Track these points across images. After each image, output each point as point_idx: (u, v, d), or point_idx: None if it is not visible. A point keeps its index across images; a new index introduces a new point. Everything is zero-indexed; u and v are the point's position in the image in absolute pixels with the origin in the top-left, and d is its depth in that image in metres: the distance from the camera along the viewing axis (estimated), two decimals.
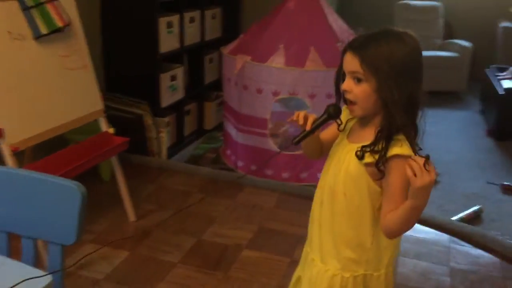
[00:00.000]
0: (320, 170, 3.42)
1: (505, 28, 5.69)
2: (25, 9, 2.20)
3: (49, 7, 2.28)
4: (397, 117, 1.16)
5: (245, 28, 4.65)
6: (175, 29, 3.57)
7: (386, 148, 1.17)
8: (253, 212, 2.83)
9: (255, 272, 2.30)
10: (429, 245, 2.61)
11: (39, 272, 1.36)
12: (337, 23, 3.43)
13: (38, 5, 2.25)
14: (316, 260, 1.34)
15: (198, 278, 2.23)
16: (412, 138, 1.20)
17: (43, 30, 2.24)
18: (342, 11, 4.84)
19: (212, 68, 4.23)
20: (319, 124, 1.25)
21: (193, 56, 4.01)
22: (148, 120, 3.40)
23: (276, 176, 3.35)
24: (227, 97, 3.63)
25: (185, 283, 2.20)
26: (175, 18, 3.55)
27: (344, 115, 1.31)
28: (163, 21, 3.41)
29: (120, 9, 3.40)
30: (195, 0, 3.88)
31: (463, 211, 3.03)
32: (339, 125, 1.29)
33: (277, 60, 3.20)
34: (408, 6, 6.11)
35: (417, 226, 2.70)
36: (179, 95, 3.74)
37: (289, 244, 2.53)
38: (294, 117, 1.28)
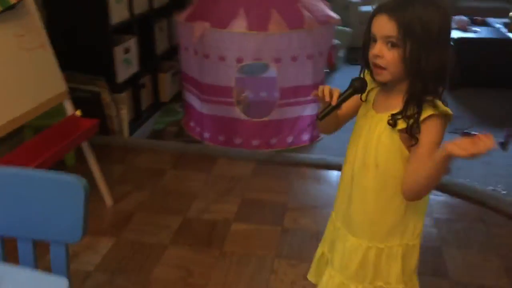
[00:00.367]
0: (288, 135, 3.41)
1: None
2: None
3: None
4: (429, 83, 1.14)
5: None
6: None
7: (419, 111, 1.15)
8: (232, 184, 2.78)
9: (249, 245, 2.27)
10: None
11: (52, 276, 1.26)
12: None
13: None
14: (348, 234, 1.32)
15: (193, 258, 2.17)
16: (442, 98, 1.18)
17: None
18: None
19: (162, 37, 4.04)
20: (345, 99, 1.21)
21: (142, 26, 3.79)
22: (106, 97, 3.21)
23: (246, 144, 3.30)
24: (186, 67, 3.49)
25: (182, 264, 2.13)
26: None
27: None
28: None
29: None
30: None
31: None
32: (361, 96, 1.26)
33: (239, 25, 3.09)
34: None
35: None
36: (134, 68, 3.54)
37: (276, 212, 2.51)
38: (319, 93, 1.22)
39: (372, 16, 1.18)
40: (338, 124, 1.36)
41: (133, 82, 3.59)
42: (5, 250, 1.38)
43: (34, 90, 2.16)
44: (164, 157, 3.06)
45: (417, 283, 1.36)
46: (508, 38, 4.33)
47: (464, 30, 4.55)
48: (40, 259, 1.31)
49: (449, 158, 1.07)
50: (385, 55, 1.15)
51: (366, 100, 1.28)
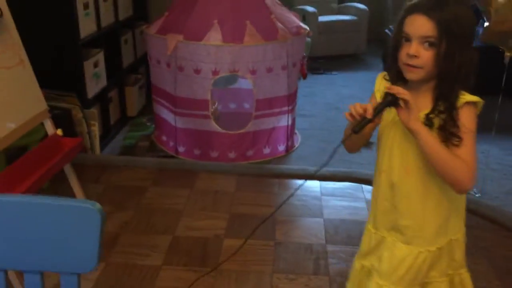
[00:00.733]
0: (264, 146, 3.39)
1: None
2: None
3: None
4: (459, 82, 1.16)
5: (155, 4, 4.42)
6: (91, 10, 3.24)
7: (451, 106, 1.17)
8: (217, 198, 2.74)
9: (245, 261, 2.23)
10: None
11: None
12: None
13: None
14: (398, 242, 1.32)
15: (190, 278, 2.11)
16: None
17: None
18: None
19: (128, 50, 3.94)
20: (380, 112, 1.20)
21: (107, 39, 3.69)
22: (78, 113, 3.08)
23: (222, 157, 3.26)
24: (157, 80, 3.42)
25: (178, 286, 2.07)
26: None
27: (378, 88, 1.28)
28: (80, 2, 3.06)
29: None
30: None
31: None
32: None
33: (214, 37, 3.06)
34: None
35: None
36: (103, 82, 3.44)
37: (266, 227, 2.48)
38: (352, 112, 1.20)
39: (404, 16, 1.17)
40: (367, 139, 1.36)
41: (101, 97, 3.48)
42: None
43: (16, 110, 2.04)
44: (142, 174, 2.97)
45: (467, 276, 1.38)
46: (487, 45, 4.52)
47: None
48: None
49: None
50: (422, 55, 1.15)
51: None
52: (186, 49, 3.09)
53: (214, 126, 3.22)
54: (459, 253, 1.36)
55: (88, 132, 3.16)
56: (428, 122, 1.19)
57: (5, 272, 1.31)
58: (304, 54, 4.68)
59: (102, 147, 3.40)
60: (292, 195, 1.62)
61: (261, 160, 3.30)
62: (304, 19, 5.63)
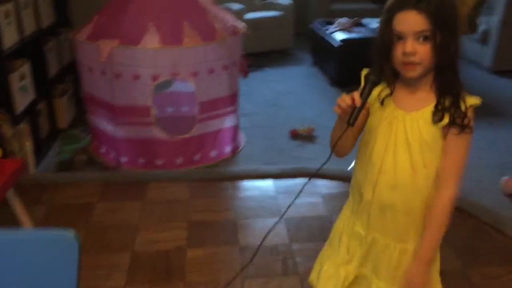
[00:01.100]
0: (211, 149, 3.32)
1: None
2: None
3: None
4: (459, 69, 1.16)
5: (78, 9, 4.18)
6: (13, 18, 2.99)
7: (458, 100, 1.16)
8: (172, 208, 2.64)
9: (212, 270, 2.17)
10: None
11: None
12: None
13: None
14: (393, 242, 1.30)
15: None
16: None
17: None
18: None
19: (53, 59, 3.69)
20: (367, 96, 1.18)
21: (31, 48, 3.43)
22: (8, 131, 2.84)
23: (169, 164, 3.15)
24: (91, 89, 3.23)
25: None
26: (10, 5, 2.96)
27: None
28: (1, 11, 2.82)
29: None
30: None
31: (347, 160, 3.26)
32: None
33: (151, 41, 2.94)
34: None
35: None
36: (31, 95, 3.19)
37: (227, 231, 2.44)
38: (341, 106, 1.18)
39: (392, 15, 1.14)
40: (355, 140, 1.33)
41: (29, 111, 3.23)
42: None
43: None
44: (86, 190, 2.79)
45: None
46: None
47: (348, 31, 4.85)
48: None
49: None
50: (419, 51, 1.12)
51: (382, 104, 1.24)
52: (123, 55, 2.94)
53: (158, 133, 3.10)
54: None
55: (20, 150, 2.93)
56: (438, 116, 1.17)
57: None
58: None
59: (36, 165, 3.17)
60: (298, 195, 1.52)
61: (208, 164, 3.22)
62: None
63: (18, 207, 2.14)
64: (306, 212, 2.60)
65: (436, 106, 1.18)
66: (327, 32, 4.96)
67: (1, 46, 2.81)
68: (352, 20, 5.04)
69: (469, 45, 5.10)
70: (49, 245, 1.20)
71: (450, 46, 1.12)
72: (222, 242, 2.35)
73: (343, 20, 4.99)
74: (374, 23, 5.15)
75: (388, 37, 1.16)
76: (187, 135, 3.16)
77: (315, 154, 3.37)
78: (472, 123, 1.18)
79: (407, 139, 1.21)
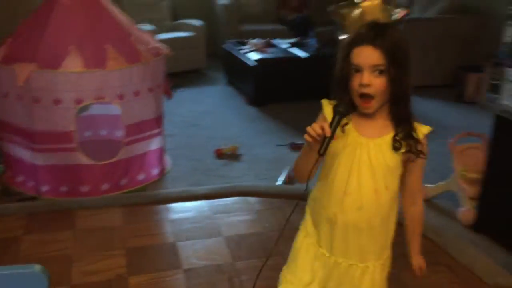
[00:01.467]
0: (138, 173, 3.26)
1: (224, 5, 6.29)
2: None
3: None
4: (410, 101, 1.28)
5: None
6: None
7: (412, 130, 1.29)
8: (107, 235, 2.55)
9: None
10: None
11: None
12: (120, 16, 3.23)
13: None
14: (355, 263, 1.38)
15: None
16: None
17: None
18: None
19: None
20: (336, 126, 1.26)
21: None
22: None
23: (94, 191, 3.04)
24: (5, 115, 3.04)
25: None
26: None
27: (329, 113, 1.33)
28: None
29: None
30: None
31: (274, 176, 3.37)
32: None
33: (73, 64, 2.85)
34: None
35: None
36: None
37: (168, 255, 2.41)
38: (312, 135, 1.23)
39: (350, 49, 1.23)
40: (318, 165, 1.36)
41: None
42: None
43: None
44: (8, 223, 2.61)
45: None
46: (299, 56, 4.93)
47: (261, 52, 5.02)
48: None
49: None
50: (374, 83, 1.22)
51: (344, 132, 1.30)
52: (42, 79, 2.81)
53: (82, 159, 2.99)
54: None
55: None
56: (398, 145, 1.28)
57: None
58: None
59: None
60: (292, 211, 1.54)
61: (136, 188, 3.16)
62: None
63: None
64: (244, 230, 2.65)
65: (394, 136, 1.29)
66: (242, 52, 5.09)
67: None
68: (264, 41, 5.22)
69: None
70: (18, 282, 1.14)
71: (402, 81, 1.23)
72: (165, 267, 2.31)
73: (255, 41, 5.15)
74: (284, 44, 5.38)
75: (346, 70, 1.25)
76: (113, 160, 3.08)
77: (241, 172, 3.44)
78: (426, 150, 1.31)
79: (371, 164, 1.30)
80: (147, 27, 5.55)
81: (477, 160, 2.84)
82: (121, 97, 2.99)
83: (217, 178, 3.34)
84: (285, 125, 4.39)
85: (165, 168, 3.44)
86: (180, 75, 5.75)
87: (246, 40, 5.37)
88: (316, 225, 1.42)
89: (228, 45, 5.51)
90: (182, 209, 2.86)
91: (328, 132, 1.23)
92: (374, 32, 1.22)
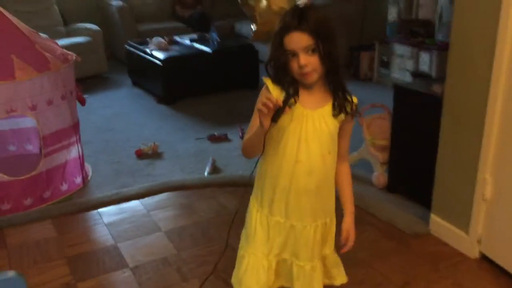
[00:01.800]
0: (61, 183, 3.21)
1: (117, 7, 6.20)
2: None
3: None
4: (341, 71, 1.44)
5: None
6: None
7: (348, 96, 1.46)
8: (44, 248, 2.49)
9: None
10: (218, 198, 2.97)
11: None
12: (21, 25, 3.11)
13: None
14: (309, 224, 1.53)
15: None
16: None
17: None
18: None
19: None
20: (287, 100, 1.39)
21: None
22: None
23: (17, 207, 2.93)
24: None
25: None
26: None
27: (276, 94, 1.46)
28: None
29: None
30: None
31: (199, 168, 3.46)
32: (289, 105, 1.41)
33: None
34: None
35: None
36: None
37: (112, 257, 2.42)
38: (269, 103, 1.32)
39: (281, 37, 1.38)
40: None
41: None
42: None
43: None
44: None
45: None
46: (205, 51, 5.03)
47: (166, 50, 5.04)
48: None
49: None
50: (310, 61, 1.37)
51: (290, 107, 1.41)
52: None
53: None
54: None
55: None
56: (337, 112, 1.45)
57: None
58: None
59: None
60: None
61: (61, 198, 3.09)
62: None
63: None
64: (182, 222, 2.72)
65: (333, 104, 1.46)
66: (146, 52, 5.07)
67: None
68: (167, 39, 5.25)
69: None
70: None
71: (332, 53, 1.40)
72: (111, 268, 2.33)
73: (157, 40, 5.16)
74: (186, 40, 5.44)
75: (284, 56, 1.40)
76: (33, 173, 2.98)
77: (167, 169, 3.48)
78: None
79: (316, 132, 1.46)
80: (41, 34, 5.33)
81: (383, 129, 3.15)
82: (33, 107, 2.90)
83: (144, 177, 3.36)
84: (199, 119, 4.48)
85: (87, 175, 3.39)
86: (81, 82, 5.57)
87: (146, 40, 5.34)
88: (267, 196, 1.55)
89: (130, 46, 5.46)
90: (116, 212, 2.86)
91: (280, 102, 1.36)
92: (297, 18, 1.37)
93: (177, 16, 6.99)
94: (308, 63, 1.38)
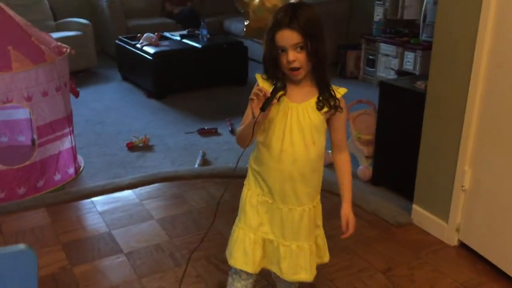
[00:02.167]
0: (54, 173, 3.28)
1: (107, 2, 6.24)
2: None
3: None
4: (327, 69, 1.55)
5: None
6: None
7: (334, 92, 1.56)
8: (38, 235, 2.56)
9: (106, 281, 2.22)
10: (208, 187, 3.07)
11: None
12: (17, 17, 3.17)
13: None
14: (295, 207, 1.63)
15: None
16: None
17: None
18: None
19: None
20: (276, 92, 1.49)
21: None
22: None
23: (10, 195, 2.99)
24: None
25: None
26: None
27: (266, 87, 1.56)
28: None
29: None
30: None
31: (189, 161, 3.55)
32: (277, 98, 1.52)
33: None
34: None
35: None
36: None
37: (106, 243, 2.49)
38: (259, 93, 1.44)
39: (273, 34, 1.48)
40: (259, 128, 1.58)
41: None
42: None
43: None
44: None
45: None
46: (195, 47, 5.11)
47: (156, 45, 5.11)
48: None
49: None
50: (298, 58, 1.47)
51: (278, 101, 1.54)
52: None
53: None
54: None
55: None
56: (320, 106, 1.55)
57: None
58: None
59: None
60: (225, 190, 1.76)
61: (54, 188, 3.15)
62: None
63: None
64: (174, 211, 2.81)
65: (318, 98, 1.57)
66: (137, 47, 5.13)
67: None
68: (157, 34, 5.31)
69: None
70: (6, 262, 1.22)
71: (319, 51, 1.49)
72: (106, 253, 2.40)
73: (147, 35, 5.22)
74: (176, 36, 5.52)
75: (274, 51, 1.50)
76: (27, 162, 3.04)
77: (158, 162, 3.56)
78: (343, 105, 1.60)
79: (299, 124, 1.56)
80: None
81: (368, 124, 3.27)
82: (29, 98, 2.96)
83: (135, 169, 3.43)
84: (188, 113, 4.56)
85: (80, 166, 3.45)
86: (72, 75, 5.63)
87: (136, 35, 5.40)
88: (258, 180, 1.66)
89: (121, 41, 5.51)
90: (109, 200, 2.93)
91: (268, 93, 1.48)
92: (289, 16, 1.46)
93: (166, 12, 7.06)
94: (296, 59, 1.48)
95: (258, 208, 1.68)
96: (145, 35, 5.21)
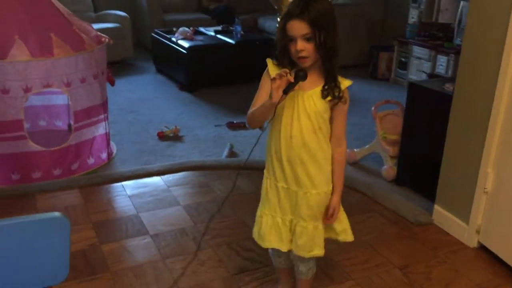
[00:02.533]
0: (87, 157, 3.41)
1: None
2: None
3: None
4: (335, 60, 1.61)
5: None
6: None
7: (339, 83, 1.63)
8: (71, 213, 2.70)
9: (132, 258, 2.33)
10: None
11: None
12: (60, 6, 3.32)
13: None
14: (310, 190, 1.70)
15: (89, 287, 2.12)
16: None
17: None
18: None
19: None
20: (298, 80, 1.56)
21: None
22: None
23: (46, 176, 3.15)
24: None
25: None
26: None
27: (273, 70, 1.64)
28: None
29: None
30: None
31: (216, 152, 3.65)
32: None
33: (20, 53, 2.93)
34: None
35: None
36: None
37: (135, 224, 2.61)
38: (283, 73, 1.51)
39: (284, 23, 1.55)
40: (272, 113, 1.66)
41: None
42: None
43: None
44: None
45: None
46: (228, 42, 5.21)
47: (191, 39, 5.23)
48: None
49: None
50: (306, 48, 1.55)
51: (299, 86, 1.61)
52: None
53: (32, 146, 3.08)
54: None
55: None
56: (324, 94, 1.62)
57: None
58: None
59: None
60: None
61: (87, 171, 3.29)
62: None
63: None
64: (199, 199, 2.91)
65: (323, 87, 1.64)
66: (172, 40, 5.27)
67: None
68: (192, 29, 5.43)
69: None
70: (43, 227, 1.33)
71: (327, 43, 1.56)
72: (133, 234, 2.52)
73: (183, 29, 5.35)
74: (211, 31, 5.63)
75: (285, 40, 1.58)
76: (64, 145, 3.19)
77: (187, 152, 3.67)
78: (347, 96, 1.67)
79: (306, 110, 1.64)
80: None
81: (395, 124, 3.30)
82: (68, 84, 3.11)
83: (165, 157, 3.55)
84: (218, 107, 4.66)
85: (112, 152, 3.59)
86: (108, 65, 5.81)
87: (172, 29, 5.54)
88: (271, 166, 1.75)
89: (157, 34, 5.66)
90: (139, 185, 3.05)
91: (291, 78, 1.55)
92: (300, 7, 1.53)
93: (202, 8, 7.19)
94: (304, 48, 1.55)
95: (278, 195, 1.76)
96: (180, 29, 5.33)
